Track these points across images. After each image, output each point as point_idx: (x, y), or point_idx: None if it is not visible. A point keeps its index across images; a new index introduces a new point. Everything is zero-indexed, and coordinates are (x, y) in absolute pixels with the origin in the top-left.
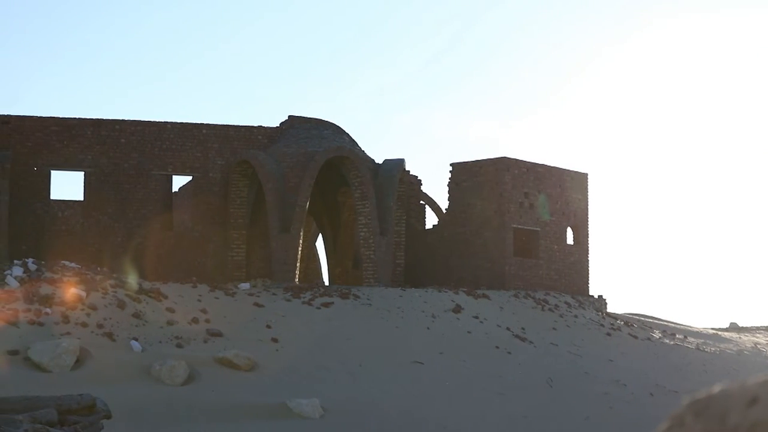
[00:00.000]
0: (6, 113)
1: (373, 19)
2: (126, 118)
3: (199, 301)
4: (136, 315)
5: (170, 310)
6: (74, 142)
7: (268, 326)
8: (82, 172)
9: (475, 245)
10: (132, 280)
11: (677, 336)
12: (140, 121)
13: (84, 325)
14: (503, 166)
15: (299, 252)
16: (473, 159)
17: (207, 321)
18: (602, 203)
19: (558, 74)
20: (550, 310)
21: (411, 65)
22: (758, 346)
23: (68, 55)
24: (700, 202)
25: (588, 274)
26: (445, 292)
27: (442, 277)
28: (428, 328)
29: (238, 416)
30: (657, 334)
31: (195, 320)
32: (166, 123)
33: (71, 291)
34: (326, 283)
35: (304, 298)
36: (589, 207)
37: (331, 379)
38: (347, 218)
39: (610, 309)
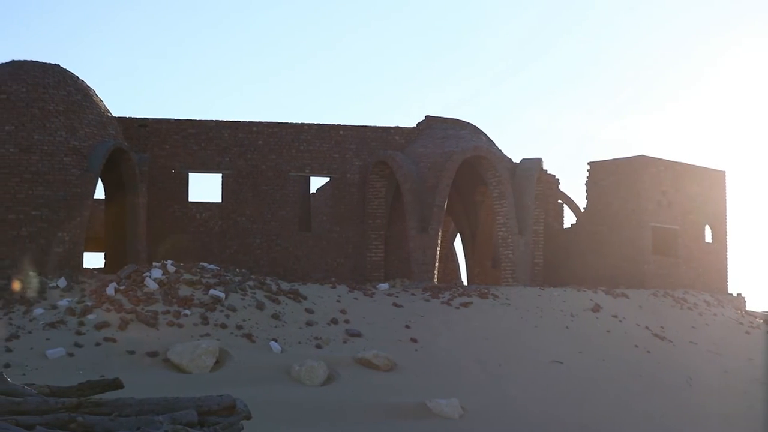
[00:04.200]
0: (144, 116)
1: (496, 18)
2: (263, 120)
3: (338, 301)
4: (275, 316)
5: (309, 311)
6: (212, 144)
7: (407, 326)
8: (220, 174)
9: (613, 244)
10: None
11: None
12: (277, 122)
13: (223, 326)
14: (641, 164)
15: (437, 252)
16: (609, 157)
17: (346, 321)
18: (741, 201)
19: (693, 70)
20: (689, 308)
21: (537, 62)
22: None
23: (204, 58)
24: None
25: (727, 272)
26: (584, 291)
27: (580, 276)
28: (567, 328)
29: (378, 416)
30: None
31: (334, 321)
32: (303, 124)
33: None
34: (465, 282)
35: (442, 298)
36: (727, 205)
37: (470, 379)
38: (485, 218)
39: (749, 307)
